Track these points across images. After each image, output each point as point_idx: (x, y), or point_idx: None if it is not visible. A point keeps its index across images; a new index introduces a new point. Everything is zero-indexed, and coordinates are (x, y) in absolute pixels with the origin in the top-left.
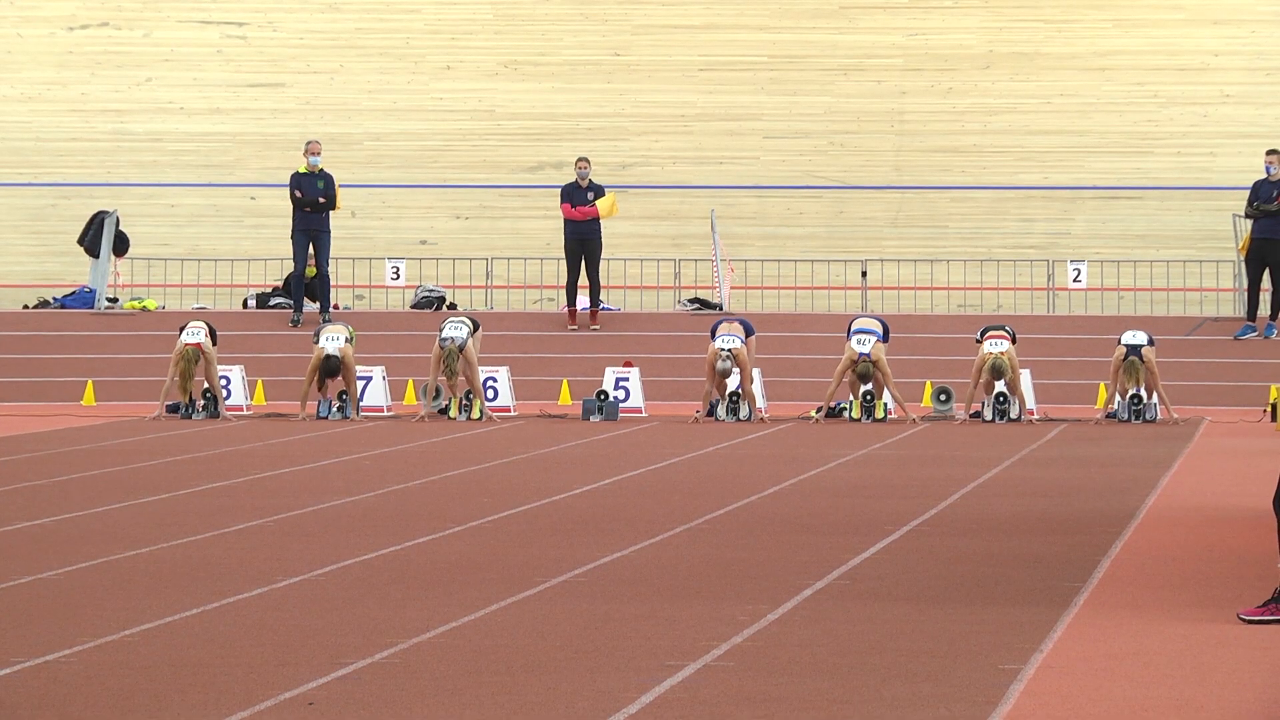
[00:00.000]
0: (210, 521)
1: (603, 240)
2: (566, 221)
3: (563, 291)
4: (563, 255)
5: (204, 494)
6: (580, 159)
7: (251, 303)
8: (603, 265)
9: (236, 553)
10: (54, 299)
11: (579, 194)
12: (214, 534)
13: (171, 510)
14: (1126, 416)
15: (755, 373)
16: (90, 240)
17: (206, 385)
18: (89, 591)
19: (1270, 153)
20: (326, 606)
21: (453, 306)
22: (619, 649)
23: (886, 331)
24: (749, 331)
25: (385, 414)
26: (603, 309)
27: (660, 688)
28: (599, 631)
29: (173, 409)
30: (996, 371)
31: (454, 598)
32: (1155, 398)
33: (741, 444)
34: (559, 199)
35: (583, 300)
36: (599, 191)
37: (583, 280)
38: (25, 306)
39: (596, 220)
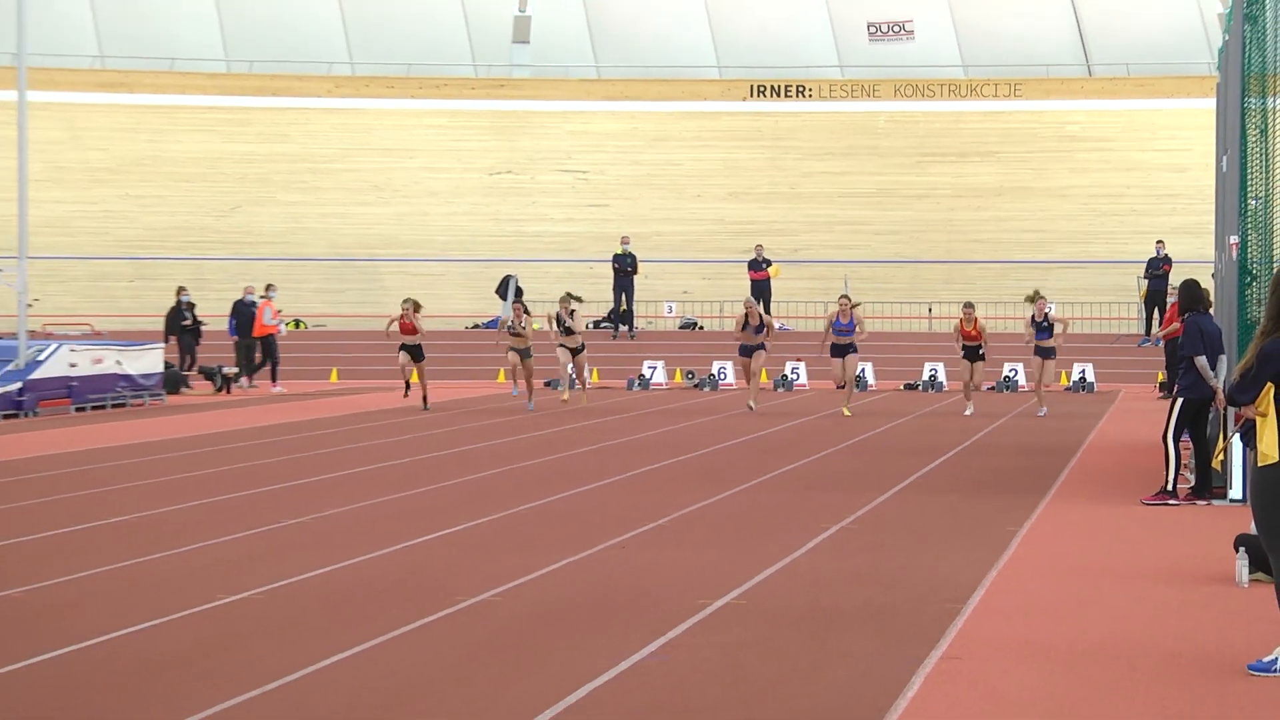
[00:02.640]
0: (529, 454)
1: (772, 290)
2: (751, 280)
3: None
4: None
5: (518, 442)
6: (757, 245)
7: (590, 326)
8: (784, 306)
9: (511, 485)
10: (481, 324)
11: (757, 264)
12: (517, 467)
13: (512, 448)
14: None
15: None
16: (501, 290)
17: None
18: (403, 513)
19: (1158, 242)
20: (623, 494)
21: (699, 327)
22: (793, 518)
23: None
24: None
25: (664, 387)
26: (780, 328)
27: (816, 539)
28: (782, 508)
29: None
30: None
31: (698, 489)
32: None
33: (860, 405)
34: (747, 267)
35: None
36: (768, 262)
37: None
38: (465, 328)
39: (768, 279)
